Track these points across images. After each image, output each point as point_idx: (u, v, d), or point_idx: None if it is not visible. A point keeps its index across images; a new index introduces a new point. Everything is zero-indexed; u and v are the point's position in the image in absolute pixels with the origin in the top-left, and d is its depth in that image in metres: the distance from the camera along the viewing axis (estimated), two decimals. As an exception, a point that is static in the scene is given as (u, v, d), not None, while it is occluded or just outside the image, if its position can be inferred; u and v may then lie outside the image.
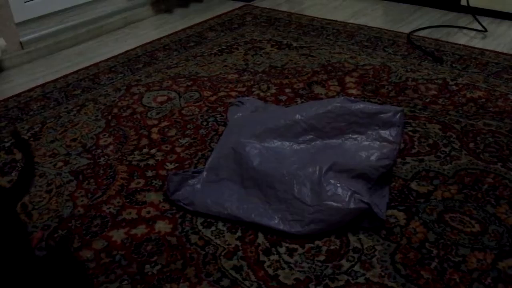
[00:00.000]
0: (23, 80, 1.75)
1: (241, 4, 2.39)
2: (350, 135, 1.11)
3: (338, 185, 0.99)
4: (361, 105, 1.13)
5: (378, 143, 1.09)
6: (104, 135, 1.38)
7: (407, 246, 0.94)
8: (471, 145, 1.22)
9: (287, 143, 1.11)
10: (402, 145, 1.22)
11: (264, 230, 0.99)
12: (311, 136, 1.11)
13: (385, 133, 1.10)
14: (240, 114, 1.34)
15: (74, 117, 1.48)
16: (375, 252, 0.93)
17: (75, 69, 1.79)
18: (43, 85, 1.69)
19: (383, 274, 0.89)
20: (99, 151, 1.30)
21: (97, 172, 1.21)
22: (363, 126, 1.11)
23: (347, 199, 0.96)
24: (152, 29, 2.18)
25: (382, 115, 1.12)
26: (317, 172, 1.01)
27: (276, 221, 0.98)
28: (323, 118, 1.12)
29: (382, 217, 0.97)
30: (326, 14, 2.17)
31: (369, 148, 1.07)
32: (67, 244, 0.97)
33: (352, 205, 0.95)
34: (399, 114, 1.12)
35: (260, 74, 1.66)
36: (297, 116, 1.13)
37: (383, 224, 0.98)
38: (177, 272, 0.92)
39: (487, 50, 1.72)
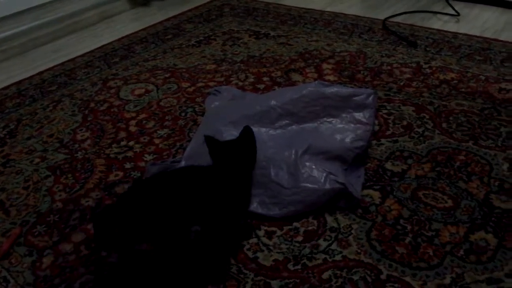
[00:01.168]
0: (-3, 78, 1.72)
1: (218, -5, 2.38)
2: (325, 118, 1.13)
3: (314, 167, 1.00)
4: (334, 89, 1.15)
5: (352, 125, 1.10)
6: (81, 129, 1.36)
7: (382, 223, 0.96)
8: (444, 125, 1.25)
9: (264, 129, 1.12)
10: (377, 127, 1.24)
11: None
12: (287, 121, 1.13)
13: (359, 115, 1.12)
14: (217, 103, 1.34)
15: (50, 113, 1.46)
16: (352, 231, 0.95)
17: (51, 65, 1.76)
18: (18, 83, 1.67)
19: (359, 251, 0.91)
20: (76, 145, 1.29)
21: (74, 167, 1.20)
22: (338, 109, 1.13)
23: (322, 180, 0.98)
24: (129, 22, 2.16)
25: (355, 98, 1.13)
26: (293, 155, 1.02)
27: (255, 205, 0.99)
28: (298, 103, 1.14)
29: (358, 196, 0.99)
30: (303, 3, 2.18)
31: (344, 130, 1.09)
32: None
33: (327, 186, 0.97)
34: (372, 96, 1.14)
35: (239, 64, 1.66)
36: (272, 102, 1.14)
37: (359, 203, 1.00)
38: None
39: (460, 33, 1.76)
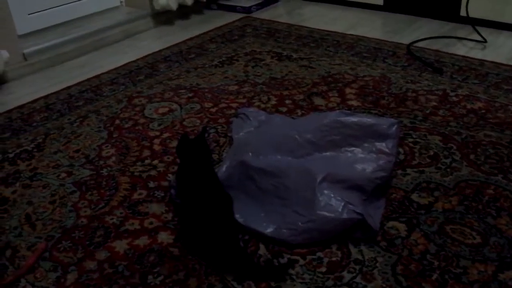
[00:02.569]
0: (26, 91, 1.77)
1: (241, 15, 2.42)
2: (346, 148, 1.12)
3: (332, 195, 1.00)
4: (356, 118, 1.14)
5: (374, 155, 1.10)
6: (107, 146, 1.39)
7: (408, 258, 0.94)
8: (472, 156, 1.23)
9: (284, 157, 1.12)
10: (402, 157, 1.23)
11: (262, 239, 1.00)
12: (307, 150, 1.13)
13: (381, 145, 1.11)
14: (242, 134, 1.35)
15: (77, 129, 1.49)
16: (377, 264, 0.93)
17: (77, 81, 1.81)
18: (46, 97, 1.71)
19: (384, 285, 0.89)
20: (101, 162, 1.31)
21: (99, 183, 1.22)
22: (359, 138, 1.13)
23: (340, 210, 0.97)
24: (153, 40, 2.21)
25: (377, 128, 1.13)
26: (311, 182, 1.02)
27: (271, 230, 0.99)
28: (318, 132, 1.14)
29: (376, 228, 0.98)
30: (325, 25, 2.20)
31: (365, 160, 1.08)
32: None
33: (345, 216, 0.96)
34: (395, 126, 1.13)
35: (261, 86, 1.68)
36: (293, 132, 1.15)
37: (376, 236, 0.98)
38: (179, 282, 0.92)
39: (487, 60, 1.74)
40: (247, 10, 2.45)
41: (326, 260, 0.95)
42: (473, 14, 2.01)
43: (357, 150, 1.12)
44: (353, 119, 1.14)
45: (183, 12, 2.45)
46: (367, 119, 1.15)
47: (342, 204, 0.98)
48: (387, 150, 1.10)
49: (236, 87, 1.68)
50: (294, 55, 1.90)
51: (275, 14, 2.42)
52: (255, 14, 2.42)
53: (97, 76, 1.84)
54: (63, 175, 1.27)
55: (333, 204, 0.98)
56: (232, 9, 2.49)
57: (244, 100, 1.58)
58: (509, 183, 1.12)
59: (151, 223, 1.08)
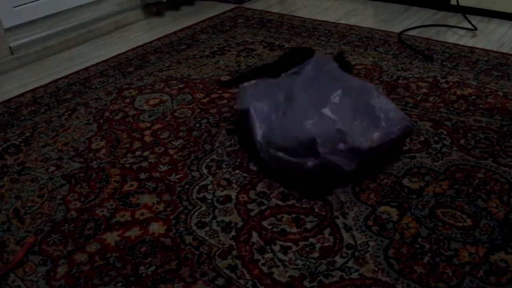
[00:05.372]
0: (13, 85, 1.74)
1: (232, 6, 2.40)
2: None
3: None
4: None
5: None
6: (96, 139, 1.37)
7: (400, 241, 0.95)
8: (462, 141, 1.23)
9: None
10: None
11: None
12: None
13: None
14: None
15: (65, 122, 1.47)
16: (369, 248, 0.94)
17: (65, 74, 1.78)
18: (33, 90, 1.68)
19: (376, 269, 0.89)
20: (91, 155, 1.30)
21: (89, 176, 1.21)
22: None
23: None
24: (143, 32, 2.18)
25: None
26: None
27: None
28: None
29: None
30: (317, 15, 2.19)
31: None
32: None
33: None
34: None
35: (252, 75, 1.66)
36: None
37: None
38: (171, 272, 0.91)
39: (477, 48, 1.74)
40: (239, 0, 2.43)
41: (318, 245, 0.95)
42: (463, 2, 2.02)
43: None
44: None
45: (174, 3, 2.42)
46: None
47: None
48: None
49: (228, 77, 1.67)
50: (286, 45, 1.89)
51: (267, 4, 2.40)
52: (247, 5, 2.40)
53: (86, 69, 1.82)
54: (52, 168, 1.25)
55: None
56: (223, -1, 2.47)
57: (236, 90, 1.57)
58: (499, 166, 1.13)
59: (142, 214, 1.07)
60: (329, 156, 1.02)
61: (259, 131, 1.14)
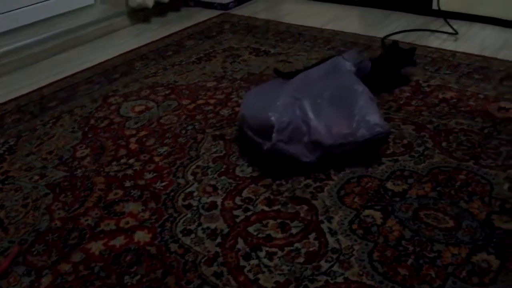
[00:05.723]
0: (-3, 93, 1.72)
1: (219, 12, 2.41)
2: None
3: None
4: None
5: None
6: (81, 146, 1.36)
7: (384, 245, 0.96)
8: (444, 144, 1.25)
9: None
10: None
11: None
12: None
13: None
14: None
15: (50, 130, 1.46)
16: (353, 252, 0.94)
17: (50, 81, 1.77)
18: (17, 98, 1.67)
19: (361, 272, 0.90)
20: (76, 163, 1.28)
21: (74, 184, 1.20)
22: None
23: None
24: (130, 38, 2.18)
25: None
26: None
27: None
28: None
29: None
30: (303, 20, 2.20)
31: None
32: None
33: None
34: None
35: (239, 81, 1.67)
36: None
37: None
38: (157, 281, 0.91)
39: (459, 52, 1.78)
40: (225, 6, 2.44)
41: (304, 250, 0.95)
42: (444, 7, 2.06)
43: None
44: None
45: (160, 10, 2.42)
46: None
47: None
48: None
49: (214, 83, 1.67)
50: (272, 51, 1.90)
51: (253, 10, 2.41)
52: (233, 11, 2.41)
53: (71, 76, 1.81)
54: (36, 177, 1.24)
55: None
56: (210, 6, 2.48)
57: (223, 96, 1.58)
58: (481, 168, 1.15)
59: (127, 222, 1.06)
60: (282, 145, 1.10)
61: (242, 107, 1.27)
